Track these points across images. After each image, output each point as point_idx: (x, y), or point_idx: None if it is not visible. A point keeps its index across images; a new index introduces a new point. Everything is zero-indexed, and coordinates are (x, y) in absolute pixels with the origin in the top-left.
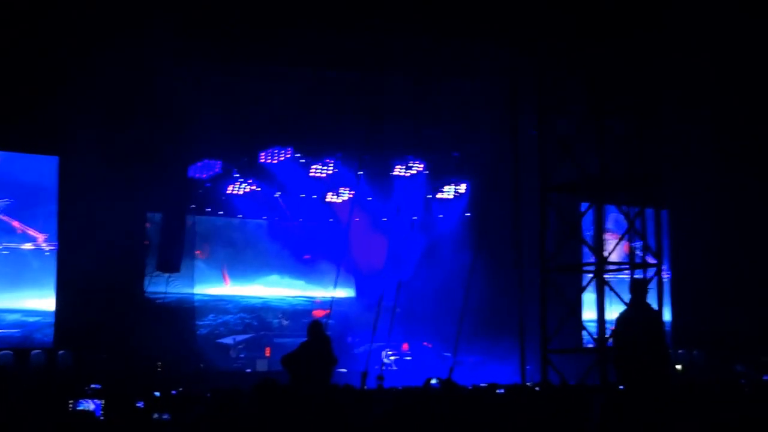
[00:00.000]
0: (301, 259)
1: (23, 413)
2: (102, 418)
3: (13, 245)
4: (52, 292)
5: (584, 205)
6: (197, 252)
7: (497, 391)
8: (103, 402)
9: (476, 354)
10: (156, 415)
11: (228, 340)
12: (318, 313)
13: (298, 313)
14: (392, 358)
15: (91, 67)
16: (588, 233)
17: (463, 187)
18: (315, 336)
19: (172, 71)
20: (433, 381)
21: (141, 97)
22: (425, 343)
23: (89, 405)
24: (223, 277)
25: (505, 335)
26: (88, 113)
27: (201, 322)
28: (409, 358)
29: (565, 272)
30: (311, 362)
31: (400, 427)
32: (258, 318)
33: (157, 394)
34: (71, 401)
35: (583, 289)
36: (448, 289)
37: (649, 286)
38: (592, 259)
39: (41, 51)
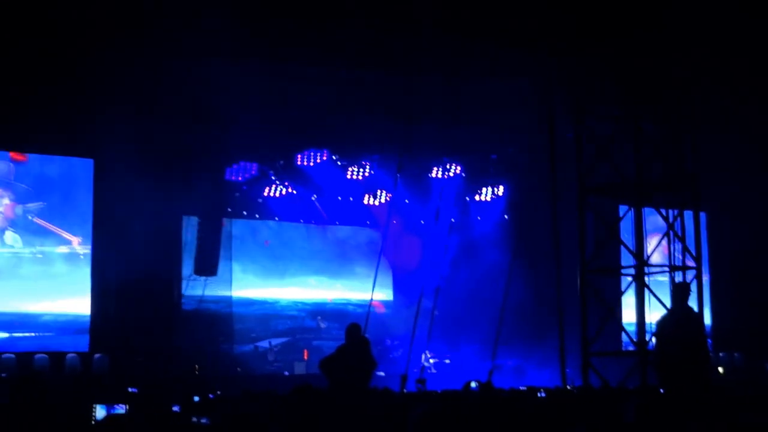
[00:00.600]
0: (338, 261)
1: (59, 418)
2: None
3: (48, 248)
4: (88, 296)
5: (623, 208)
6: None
7: (538, 394)
8: (127, 406)
9: (516, 357)
10: (194, 419)
11: (264, 344)
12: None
13: (335, 315)
14: (432, 361)
15: (126, 68)
16: (627, 236)
17: (501, 189)
18: (353, 339)
19: (209, 73)
20: (473, 384)
21: (176, 99)
22: (446, 361)
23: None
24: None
25: (544, 338)
26: (123, 115)
27: (238, 325)
28: (448, 361)
29: (605, 275)
30: (350, 366)
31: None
32: (295, 321)
33: (197, 398)
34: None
35: (622, 292)
36: (486, 292)
37: (690, 288)
38: (631, 262)
39: (77, 53)
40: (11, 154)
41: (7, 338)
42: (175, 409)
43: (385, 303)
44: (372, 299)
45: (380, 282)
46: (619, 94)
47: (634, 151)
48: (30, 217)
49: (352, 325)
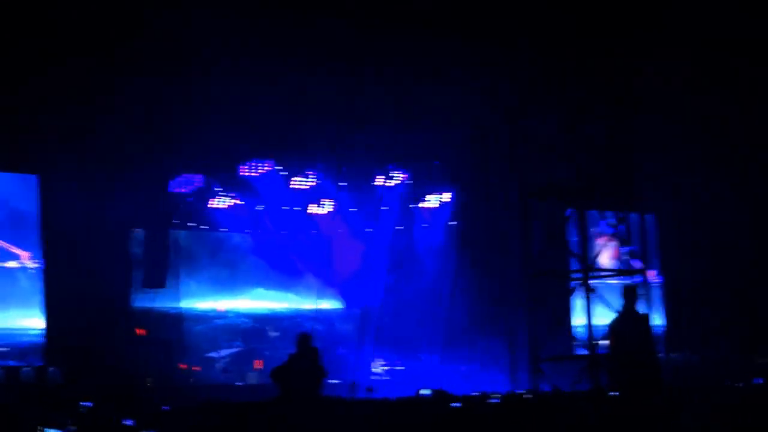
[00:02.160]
0: (286, 271)
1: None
2: None
3: None
4: (41, 310)
5: (569, 211)
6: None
7: (489, 400)
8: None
9: (465, 362)
10: None
11: (215, 354)
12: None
13: (285, 325)
14: (383, 369)
15: (68, 81)
16: (575, 239)
17: (447, 196)
18: (303, 348)
19: (151, 84)
20: (424, 391)
21: (118, 115)
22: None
23: None
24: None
25: (493, 343)
26: (65, 130)
27: (189, 337)
28: (401, 368)
29: (552, 278)
30: (300, 374)
31: None
32: (246, 331)
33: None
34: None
35: (569, 294)
36: (435, 298)
37: (639, 291)
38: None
39: (18, 66)
40: None
41: None
42: (128, 423)
43: (334, 311)
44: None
45: (329, 291)
46: (560, 97)
47: (575, 154)
48: None
49: (302, 334)
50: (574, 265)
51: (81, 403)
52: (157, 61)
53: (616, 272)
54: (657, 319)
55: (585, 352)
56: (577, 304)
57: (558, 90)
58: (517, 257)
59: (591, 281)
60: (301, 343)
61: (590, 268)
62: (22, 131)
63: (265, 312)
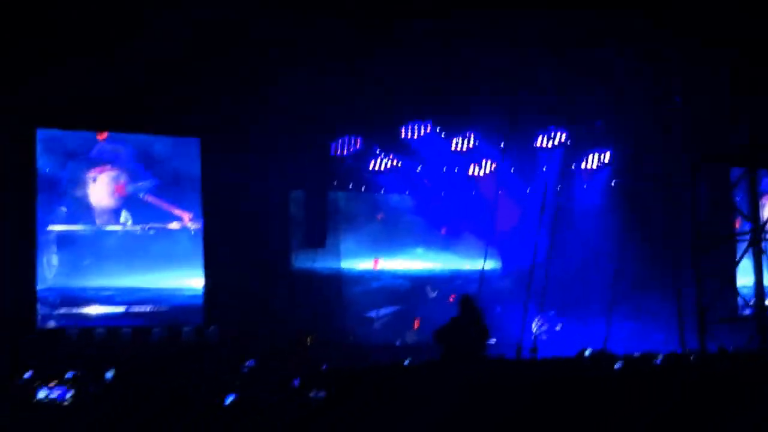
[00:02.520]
0: (445, 232)
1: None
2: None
3: (159, 225)
4: (201, 270)
5: (735, 172)
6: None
7: (654, 361)
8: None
9: (629, 322)
10: (312, 393)
11: (374, 314)
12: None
13: (444, 285)
14: (543, 328)
15: (231, 48)
16: (740, 199)
17: (607, 156)
18: (466, 309)
19: (315, 51)
20: (587, 351)
21: (281, 77)
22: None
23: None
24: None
25: (659, 303)
26: (228, 94)
27: (348, 297)
28: (559, 327)
29: (719, 241)
30: (464, 335)
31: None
32: (404, 291)
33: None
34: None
35: (738, 255)
36: (596, 258)
37: None
38: (746, 227)
39: (181, 33)
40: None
41: (122, 313)
42: (294, 383)
43: (493, 272)
44: (483, 269)
45: (488, 251)
46: (732, 58)
47: (750, 117)
48: (141, 195)
49: (465, 296)
50: (743, 225)
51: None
52: (319, 25)
53: None
54: None
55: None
56: (745, 264)
57: (725, 50)
58: (684, 218)
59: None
60: (464, 304)
61: (760, 228)
62: (184, 96)
63: (424, 272)
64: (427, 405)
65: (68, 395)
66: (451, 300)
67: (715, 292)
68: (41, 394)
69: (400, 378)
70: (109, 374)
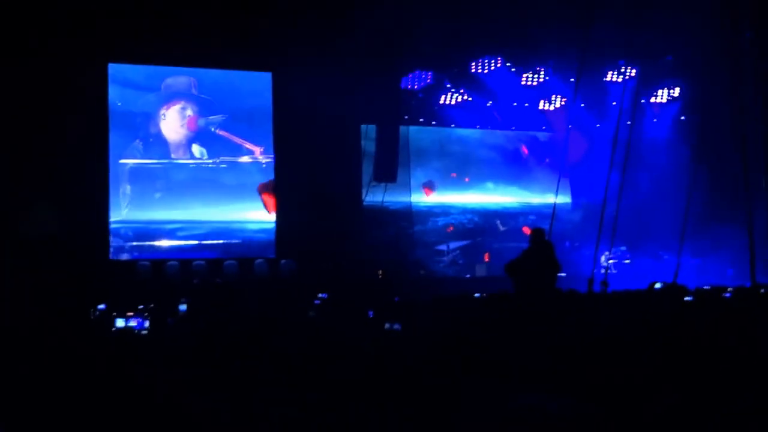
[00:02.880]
0: (515, 167)
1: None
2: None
3: (231, 159)
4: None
5: None
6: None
7: (724, 294)
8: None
9: (700, 256)
10: (387, 325)
11: (444, 247)
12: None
13: (514, 218)
14: (611, 261)
15: None
16: None
17: (677, 91)
18: (537, 242)
19: None
20: (658, 285)
21: (352, 11)
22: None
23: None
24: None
25: (730, 238)
26: (300, 28)
27: (418, 230)
28: (628, 261)
29: None
30: (535, 269)
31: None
32: (475, 224)
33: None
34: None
35: None
36: (665, 194)
37: None
38: None
39: None
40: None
41: (193, 245)
42: (369, 313)
43: (563, 206)
44: (555, 202)
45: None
46: None
47: None
48: (213, 129)
49: (537, 229)
50: None
51: (319, 294)
52: None
53: None
54: None
55: None
56: None
57: None
58: (754, 151)
59: None
60: (535, 237)
61: None
62: (257, 30)
63: (494, 206)
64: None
65: (145, 324)
66: (526, 231)
67: None
68: (119, 323)
69: (471, 309)
70: (183, 306)
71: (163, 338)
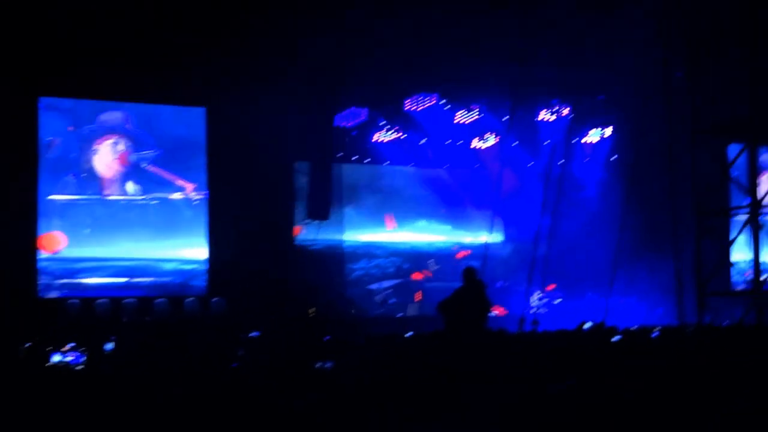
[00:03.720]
0: (448, 205)
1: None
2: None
3: (162, 195)
4: (204, 241)
5: (736, 146)
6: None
7: (651, 334)
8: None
9: (628, 296)
10: (318, 364)
11: (376, 286)
12: (460, 255)
13: (446, 257)
14: (542, 301)
15: (236, 19)
16: (737, 174)
17: (609, 130)
18: (470, 281)
19: (319, 20)
20: (587, 324)
21: (286, 47)
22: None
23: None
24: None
25: (658, 277)
26: (234, 64)
27: (351, 269)
28: (558, 300)
29: (718, 213)
30: (467, 308)
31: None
32: (407, 263)
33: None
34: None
35: (738, 234)
36: (596, 234)
37: None
38: (744, 201)
39: (189, 4)
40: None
41: (123, 283)
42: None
43: (495, 245)
44: (487, 242)
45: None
46: (734, 33)
47: (750, 91)
48: (144, 165)
49: (468, 268)
50: (738, 200)
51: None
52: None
53: None
54: None
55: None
56: (742, 239)
57: (728, 26)
58: (683, 192)
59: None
60: (467, 276)
61: (759, 203)
62: (191, 65)
63: (426, 244)
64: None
65: (82, 360)
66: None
67: (711, 267)
68: (55, 358)
69: (402, 349)
70: (111, 345)
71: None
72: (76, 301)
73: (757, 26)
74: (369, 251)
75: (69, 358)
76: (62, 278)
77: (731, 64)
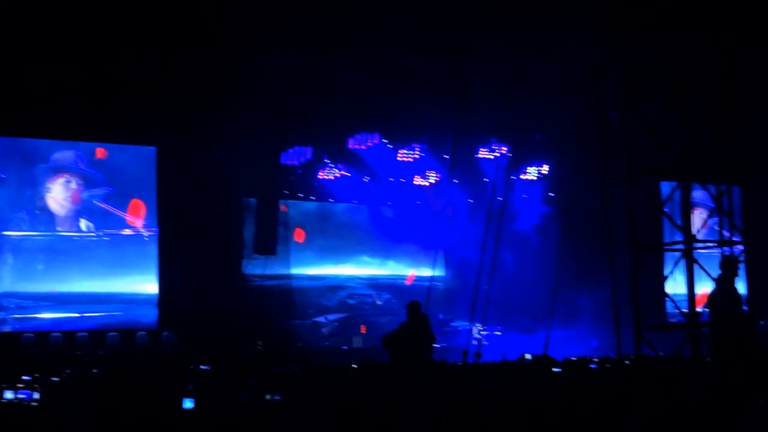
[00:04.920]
0: (390, 240)
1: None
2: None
3: (113, 231)
4: (154, 276)
5: (669, 184)
6: (297, 231)
7: (590, 365)
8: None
9: (567, 329)
10: (268, 396)
11: (322, 319)
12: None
13: (390, 291)
14: (483, 333)
15: (185, 60)
16: (669, 210)
17: (545, 168)
18: (414, 315)
19: (265, 63)
20: (528, 356)
21: (234, 88)
22: (497, 333)
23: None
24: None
25: (596, 310)
26: (184, 106)
27: (297, 302)
28: (499, 333)
29: (652, 251)
30: (412, 341)
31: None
32: (352, 297)
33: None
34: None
35: (673, 268)
36: (534, 268)
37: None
38: (678, 236)
39: (138, 45)
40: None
41: (78, 318)
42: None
43: (436, 278)
44: (433, 276)
45: (430, 258)
46: (668, 74)
47: (683, 131)
48: (95, 202)
49: (413, 302)
50: (672, 235)
51: (200, 366)
52: (271, 40)
53: (719, 244)
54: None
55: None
56: (678, 273)
57: (662, 66)
58: (619, 228)
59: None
60: (411, 310)
61: (693, 239)
62: (142, 105)
63: (370, 278)
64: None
65: (34, 396)
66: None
67: (647, 300)
68: (8, 395)
69: (349, 381)
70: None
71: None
72: (31, 335)
73: (688, 70)
74: (315, 285)
75: (21, 396)
76: (15, 313)
77: (664, 105)
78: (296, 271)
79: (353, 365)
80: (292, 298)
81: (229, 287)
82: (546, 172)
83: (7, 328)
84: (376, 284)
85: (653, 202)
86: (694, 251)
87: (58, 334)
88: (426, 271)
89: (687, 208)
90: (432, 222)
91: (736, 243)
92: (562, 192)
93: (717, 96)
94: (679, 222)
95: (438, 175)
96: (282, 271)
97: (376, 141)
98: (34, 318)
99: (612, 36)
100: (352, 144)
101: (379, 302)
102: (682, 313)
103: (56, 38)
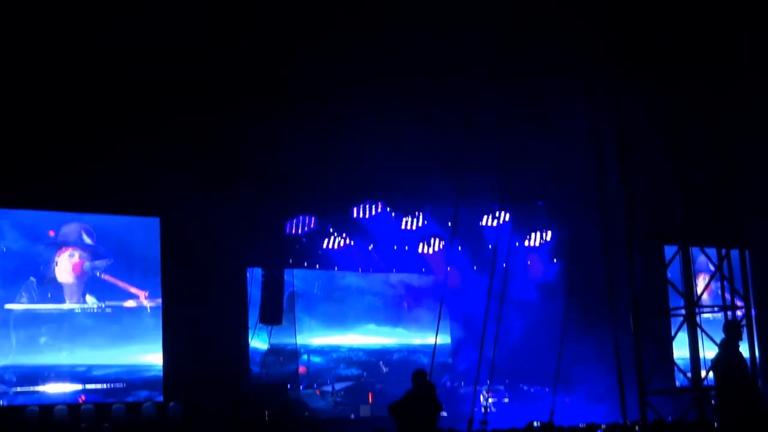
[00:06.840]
0: (396, 308)
1: None
2: None
3: (116, 303)
4: (158, 347)
5: (669, 248)
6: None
7: (597, 431)
8: None
9: (573, 395)
10: None
11: (328, 388)
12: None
13: (396, 359)
14: (490, 400)
15: (188, 130)
16: (671, 275)
17: (548, 235)
18: (419, 383)
19: (268, 133)
20: (536, 423)
21: (237, 156)
22: (505, 399)
23: None
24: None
25: (601, 376)
26: (187, 175)
27: (304, 371)
28: (506, 399)
29: (656, 316)
30: (418, 409)
31: None
32: (359, 366)
33: None
34: None
35: (675, 333)
36: (539, 335)
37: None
38: (680, 301)
39: (143, 115)
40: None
41: (80, 390)
42: None
43: (443, 346)
44: (435, 343)
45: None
46: (665, 142)
47: (682, 198)
48: (98, 274)
49: (418, 371)
50: (677, 300)
51: None
52: (275, 109)
53: (722, 308)
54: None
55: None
56: (681, 337)
57: (661, 133)
58: (622, 293)
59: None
60: (417, 379)
61: (695, 304)
62: (145, 176)
63: (377, 347)
64: None
65: None
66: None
67: (653, 365)
68: None
69: None
70: None
71: None
72: (35, 408)
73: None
74: (321, 354)
75: None
76: (18, 386)
77: (663, 171)
78: (303, 340)
79: None
80: (298, 367)
81: (235, 357)
82: (549, 238)
83: (8, 402)
84: (382, 352)
85: (656, 266)
86: (699, 315)
87: (63, 406)
88: (431, 339)
89: (688, 272)
90: (436, 289)
91: (738, 307)
92: (565, 257)
93: (715, 162)
94: (680, 286)
95: (441, 242)
96: (288, 340)
97: (380, 209)
98: (37, 391)
99: (605, 91)
100: (355, 213)
101: (385, 370)
102: (687, 377)
103: (58, 110)
